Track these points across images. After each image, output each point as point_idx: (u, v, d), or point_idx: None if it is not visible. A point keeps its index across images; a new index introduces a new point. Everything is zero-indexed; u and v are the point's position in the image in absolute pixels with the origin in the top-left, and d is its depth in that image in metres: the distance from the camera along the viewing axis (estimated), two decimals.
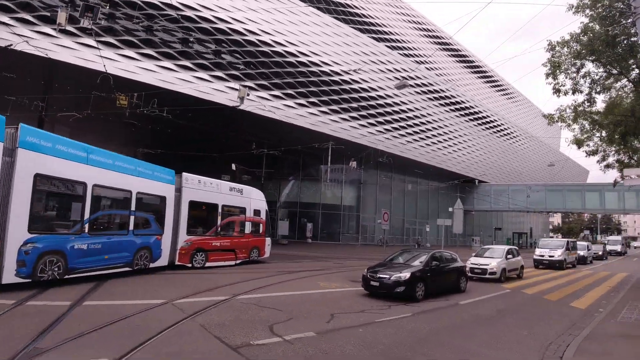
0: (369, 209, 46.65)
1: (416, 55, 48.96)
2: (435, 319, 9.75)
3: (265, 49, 29.47)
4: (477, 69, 64.18)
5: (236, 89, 20.21)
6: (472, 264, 18.16)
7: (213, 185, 17.25)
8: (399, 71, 41.77)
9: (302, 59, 32.23)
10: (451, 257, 14.44)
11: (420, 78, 45.18)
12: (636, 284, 19.09)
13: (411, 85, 43.12)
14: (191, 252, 15.86)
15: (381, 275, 11.87)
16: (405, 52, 46.60)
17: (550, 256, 25.39)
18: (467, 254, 38.74)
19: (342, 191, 44.94)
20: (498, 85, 70.81)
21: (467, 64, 61.64)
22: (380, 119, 39.37)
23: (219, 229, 17.20)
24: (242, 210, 18.58)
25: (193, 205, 15.98)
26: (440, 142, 48.37)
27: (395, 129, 41.30)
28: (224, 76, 27.14)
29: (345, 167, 44.21)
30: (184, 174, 15.94)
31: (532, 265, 25.66)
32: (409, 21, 50.33)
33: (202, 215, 16.88)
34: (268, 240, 20.86)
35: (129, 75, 22.00)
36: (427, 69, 49.24)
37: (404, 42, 47.51)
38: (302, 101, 32.50)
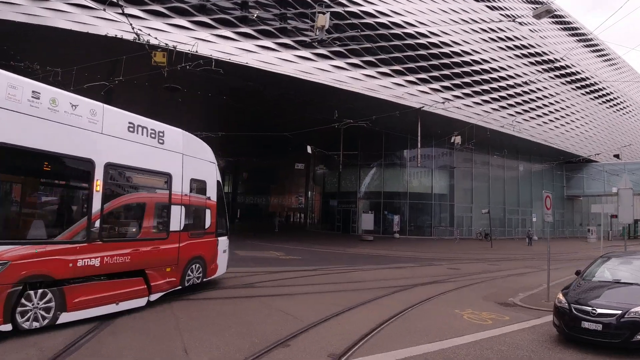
0: (463, 197, 39.97)
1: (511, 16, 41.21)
2: None
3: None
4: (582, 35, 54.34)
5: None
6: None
7: (78, 108, 6.94)
8: (495, 31, 34.84)
9: (382, 19, 26.79)
10: None
11: (520, 39, 37.68)
12: None
13: (509, 48, 35.96)
14: (6, 293, 5.81)
15: (605, 311, 6.18)
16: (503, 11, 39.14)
17: None
18: (579, 249, 32.00)
19: (432, 178, 38.67)
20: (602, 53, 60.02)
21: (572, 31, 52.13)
22: (476, 89, 32.69)
23: (99, 223, 7.24)
24: (164, 180, 8.86)
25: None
26: (546, 114, 40.32)
27: (495, 99, 34.32)
28: (291, 43, 22.58)
29: (435, 151, 38.24)
30: None
31: None
32: None
33: (40, 189, 7.29)
34: (223, 242, 10.85)
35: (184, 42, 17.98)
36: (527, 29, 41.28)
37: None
38: (385, 69, 27.00)
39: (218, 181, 10.73)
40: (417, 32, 28.70)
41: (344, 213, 39.41)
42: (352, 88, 24.65)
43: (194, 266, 9.49)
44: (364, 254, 21.16)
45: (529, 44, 38.68)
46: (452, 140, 24.11)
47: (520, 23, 38.73)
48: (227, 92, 23.08)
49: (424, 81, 29.01)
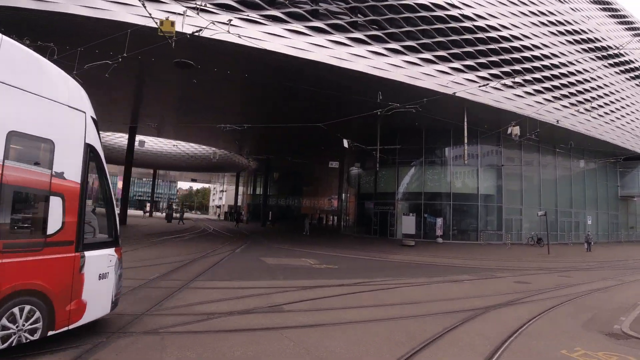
0: (511, 198, 36.62)
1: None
2: None
3: None
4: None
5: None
6: None
7: None
8: (545, 14, 31.55)
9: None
10: None
11: (572, 24, 34.14)
12: None
13: (561, 33, 32.61)
14: None
15: None
16: None
17: None
18: None
19: (477, 177, 35.53)
20: None
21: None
22: (527, 77, 29.56)
23: None
24: None
25: None
26: (601, 106, 36.47)
27: (548, 89, 31.02)
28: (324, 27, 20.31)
29: (481, 148, 35.18)
30: None
31: None
32: None
33: None
34: (97, 260, 5.88)
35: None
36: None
37: None
38: (428, 55, 24.39)
39: (89, 146, 5.83)
40: (462, 15, 25.96)
41: (381, 215, 36.75)
42: (392, 76, 22.20)
43: (16, 310, 4.83)
44: (408, 261, 18.61)
45: (581, 29, 35.03)
46: (508, 132, 21.14)
47: (572, 9, 35.23)
48: (257, 82, 21.28)
49: (470, 68, 26.17)
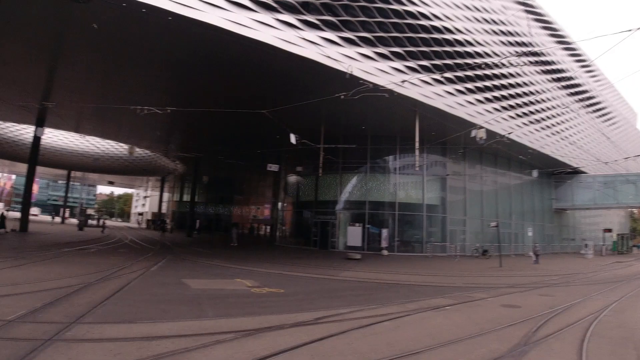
0: (455, 209, 35.37)
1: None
2: None
3: None
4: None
5: None
6: None
7: None
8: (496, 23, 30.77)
9: None
10: None
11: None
12: None
13: (494, 32, 32.05)
14: None
15: None
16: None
17: None
18: (588, 266, 27.89)
19: (423, 187, 33.81)
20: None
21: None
22: (479, 84, 28.38)
23: None
24: None
25: None
26: (544, 119, 36.59)
27: (497, 99, 30.14)
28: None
29: (428, 158, 33.49)
30: None
31: None
32: None
33: None
34: None
35: None
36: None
37: None
38: (382, 50, 22.06)
39: None
40: (418, 12, 24.00)
41: (322, 225, 33.83)
42: (340, 67, 19.48)
43: None
44: (362, 280, 15.75)
45: (529, 42, 34.94)
46: (472, 135, 19.16)
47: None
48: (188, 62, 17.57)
49: (426, 69, 24.23)
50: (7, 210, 45.05)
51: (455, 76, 26.43)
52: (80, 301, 8.47)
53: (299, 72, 19.81)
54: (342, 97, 14.05)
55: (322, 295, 11.62)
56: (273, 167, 27.09)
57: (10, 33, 18.15)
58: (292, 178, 38.67)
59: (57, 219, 67.99)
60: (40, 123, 32.35)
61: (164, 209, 76.36)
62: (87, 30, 16.13)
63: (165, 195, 78.75)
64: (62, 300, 8.39)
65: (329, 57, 18.85)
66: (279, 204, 42.27)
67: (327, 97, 15.37)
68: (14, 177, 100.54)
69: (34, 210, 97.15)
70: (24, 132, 45.46)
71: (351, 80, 16.98)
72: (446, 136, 29.09)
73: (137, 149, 46.21)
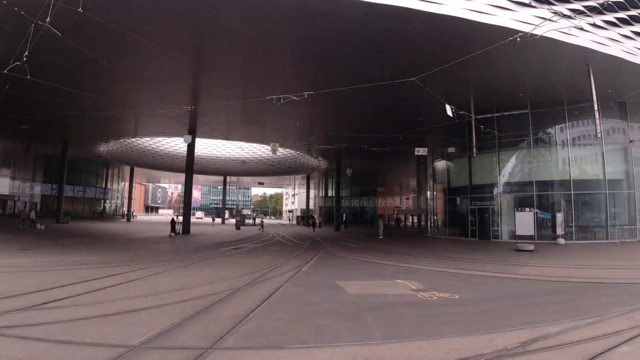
0: None
1: None
2: None
3: None
4: None
5: None
6: None
7: None
8: None
9: None
10: None
11: None
12: None
13: None
14: None
15: None
16: None
17: None
18: None
19: (603, 159, 27.96)
20: None
21: None
22: None
23: None
24: None
25: None
26: None
27: None
28: None
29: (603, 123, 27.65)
30: None
31: None
32: None
33: None
34: None
35: None
36: None
37: None
38: None
39: None
40: None
41: (479, 213, 30.21)
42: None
43: None
44: (550, 278, 12.53)
45: None
46: None
47: None
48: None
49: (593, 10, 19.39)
50: (177, 216, 50.82)
51: (629, 15, 20.86)
52: (224, 314, 7.43)
53: (451, 36, 17.25)
54: (518, 38, 11.23)
55: (509, 303, 9.05)
56: (421, 151, 24.67)
57: (151, 52, 19.08)
58: (440, 163, 35.57)
59: (218, 220, 75.27)
60: (191, 133, 34.97)
61: (311, 205, 78.89)
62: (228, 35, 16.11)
63: (312, 192, 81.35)
64: (205, 312, 7.45)
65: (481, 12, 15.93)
66: (428, 193, 39.47)
67: (494, 46, 12.49)
68: (180, 186, 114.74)
69: (198, 213, 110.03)
70: (182, 145, 50.42)
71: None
72: (625, 94, 23.75)
73: (281, 149, 47.80)
